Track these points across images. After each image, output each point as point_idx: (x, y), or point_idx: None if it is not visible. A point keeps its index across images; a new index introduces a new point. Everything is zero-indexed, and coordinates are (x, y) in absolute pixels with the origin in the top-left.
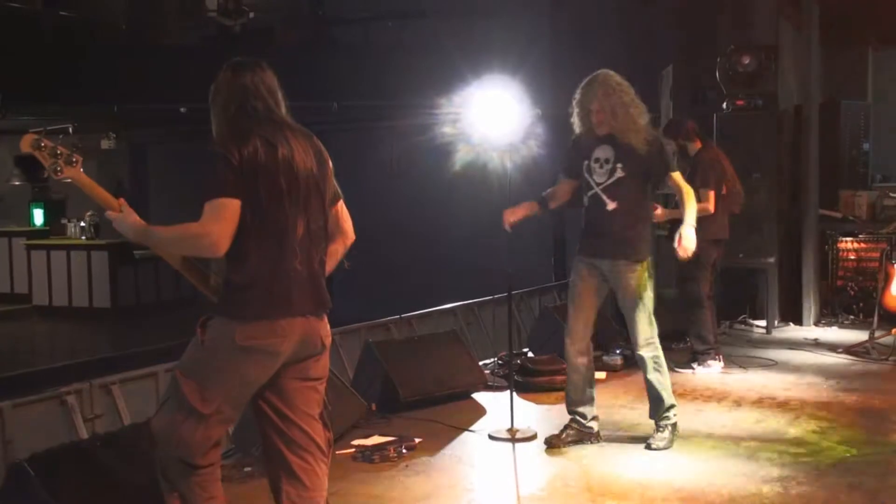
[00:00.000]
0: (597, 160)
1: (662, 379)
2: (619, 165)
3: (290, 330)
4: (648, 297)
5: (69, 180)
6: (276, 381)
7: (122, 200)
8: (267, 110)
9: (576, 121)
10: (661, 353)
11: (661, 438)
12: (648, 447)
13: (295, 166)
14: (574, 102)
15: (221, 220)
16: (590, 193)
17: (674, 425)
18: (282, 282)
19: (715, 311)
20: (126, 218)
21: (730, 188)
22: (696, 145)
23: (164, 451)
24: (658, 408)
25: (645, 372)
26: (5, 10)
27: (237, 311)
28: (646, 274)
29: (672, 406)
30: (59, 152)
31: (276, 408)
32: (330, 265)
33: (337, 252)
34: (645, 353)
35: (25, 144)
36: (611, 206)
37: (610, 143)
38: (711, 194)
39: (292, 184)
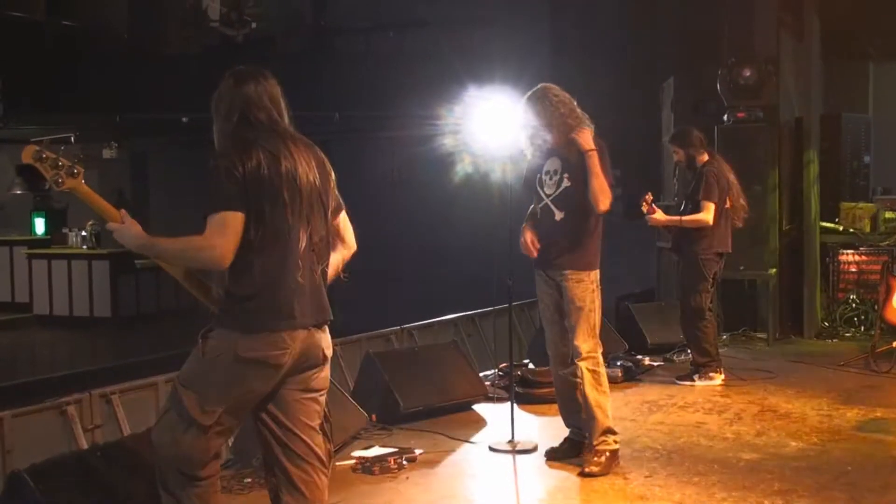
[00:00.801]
0: (547, 172)
1: (600, 398)
2: (566, 176)
3: (291, 342)
4: (592, 308)
5: (70, 191)
6: (277, 393)
7: (123, 212)
8: (270, 121)
9: (524, 137)
10: (603, 370)
11: (595, 463)
12: (581, 473)
13: (298, 178)
14: (522, 118)
15: (225, 234)
16: (541, 205)
17: (613, 453)
18: (284, 294)
19: (715, 324)
20: (129, 229)
21: (734, 202)
22: (703, 157)
23: (164, 462)
24: (593, 428)
25: (582, 385)
26: (7, 18)
27: (239, 323)
28: (593, 286)
29: (609, 431)
30: (60, 164)
31: (277, 419)
32: (330, 276)
33: (337, 263)
34: (585, 364)
35: (27, 156)
36: (559, 216)
37: (556, 154)
38: (712, 207)
39: (295, 196)
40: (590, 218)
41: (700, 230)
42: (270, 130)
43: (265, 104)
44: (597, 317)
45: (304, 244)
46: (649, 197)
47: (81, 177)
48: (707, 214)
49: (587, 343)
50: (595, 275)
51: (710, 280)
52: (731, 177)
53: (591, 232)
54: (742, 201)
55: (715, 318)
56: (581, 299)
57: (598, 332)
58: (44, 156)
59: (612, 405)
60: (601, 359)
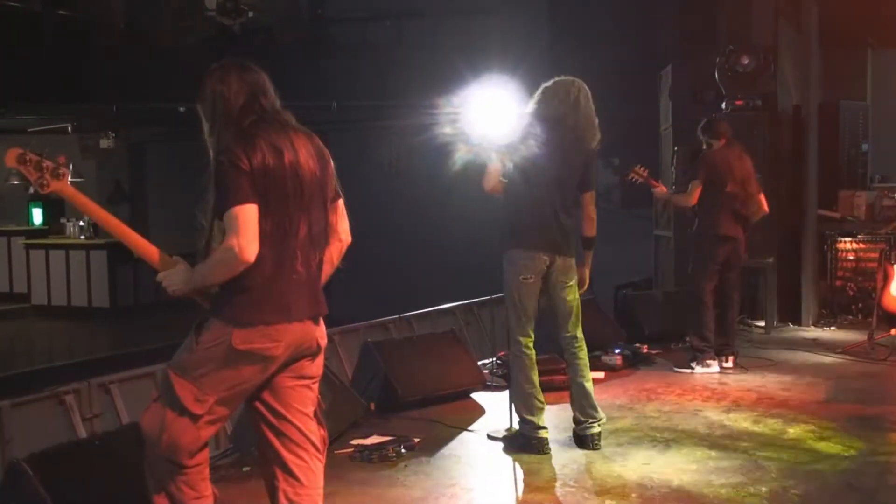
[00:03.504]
0: None
1: (511, 383)
2: None
3: (286, 335)
4: (510, 291)
5: (56, 193)
6: (271, 380)
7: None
8: (273, 110)
9: None
10: (517, 360)
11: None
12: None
13: (300, 170)
14: None
15: (241, 231)
16: None
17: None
18: (282, 287)
19: (735, 310)
20: (180, 271)
21: (737, 188)
22: (720, 144)
23: (153, 449)
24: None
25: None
26: (4, 9)
27: (235, 315)
28: (508, 270)
29: (521, 420)
30: (44, 165)
31: (271, 406)
32: (326, 271)
33: (332, 257)
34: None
35: (10, 159)
36: None
37: None
38: (695, 189)
39: (297, 187)
40: (504, 195)
41: (698, 214)
42: (273, 120)
43: (269, 93)
44: (512, 305)
45: (303, 235)
46: (640, 169)
47: (67, 178)
48: (688, 195)
49: (512, 330)
50: (504, 259)
51: (710, 265)
52: (739, 164)
53: (502, 210)
54: (751, 189)
55: (731, 304)
56: (504, 283)
57: (513, 321)
58: (27, 158)
59: (527, 399)
60: (515, 349)
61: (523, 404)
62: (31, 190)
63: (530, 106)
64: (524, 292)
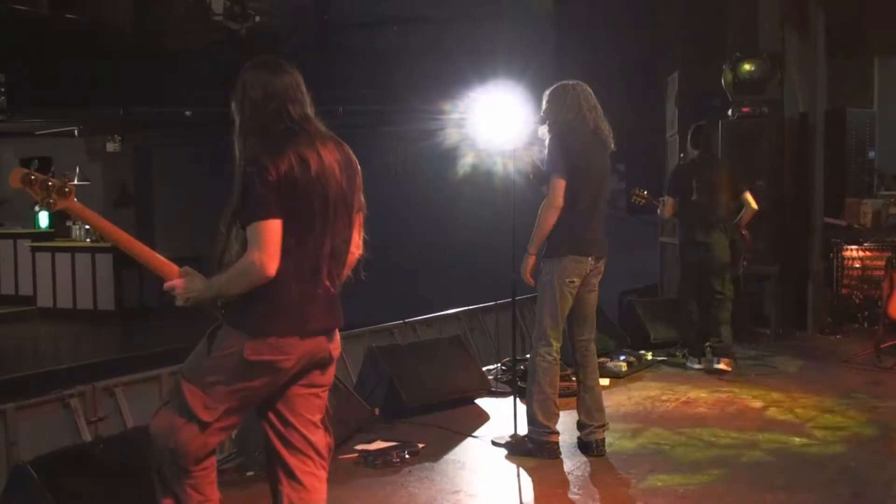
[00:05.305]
0: None
1: (531, 387)
2: None
3: (299, 348)
4: (544, 298)
5: (64, 211)
6: (282, 388)
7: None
8: (303, 118)
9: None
10: (544, 363)
11: (514, 440)
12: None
13: (327, 183)
14: None
15: (262, 247)
16: None
17: (535, 442)
18: (300, 301)
19: (723, 308)
20: (195, 282)
21: (700, 196)
22: (695, 153)
23: (160, 453)
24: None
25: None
26: (12, 12)
27: (249, 326)
28: (547, 275)
29: (532, 422)
30: (50, 184)
31: (279, 412)
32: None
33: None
34: (532, 354)
35: (15, 180)
36: None
37: None
38: (669, 203)
39: (323, 201)
40: (565, 211)
41: (679, 222)
42: (302, 130)
43: (300, 98)
44: (551, 308)
45: (326, 250)
46: (640, 191)
47: (73, 195)
48: (663, 209)
49: (536, 332)
50: (552, 263)
51: (689, 272)
52: (706, 173)
53: (562, 222)
54: (721, 197)
55: (717, 303)
56: (539, 286)
57: (549, 324)
58: (32, 178)
59: (547, 403)
60: (545, 351)
61: (541, 408)
62: (36, 208)
63: (554, 112)
64: (566, 296)
